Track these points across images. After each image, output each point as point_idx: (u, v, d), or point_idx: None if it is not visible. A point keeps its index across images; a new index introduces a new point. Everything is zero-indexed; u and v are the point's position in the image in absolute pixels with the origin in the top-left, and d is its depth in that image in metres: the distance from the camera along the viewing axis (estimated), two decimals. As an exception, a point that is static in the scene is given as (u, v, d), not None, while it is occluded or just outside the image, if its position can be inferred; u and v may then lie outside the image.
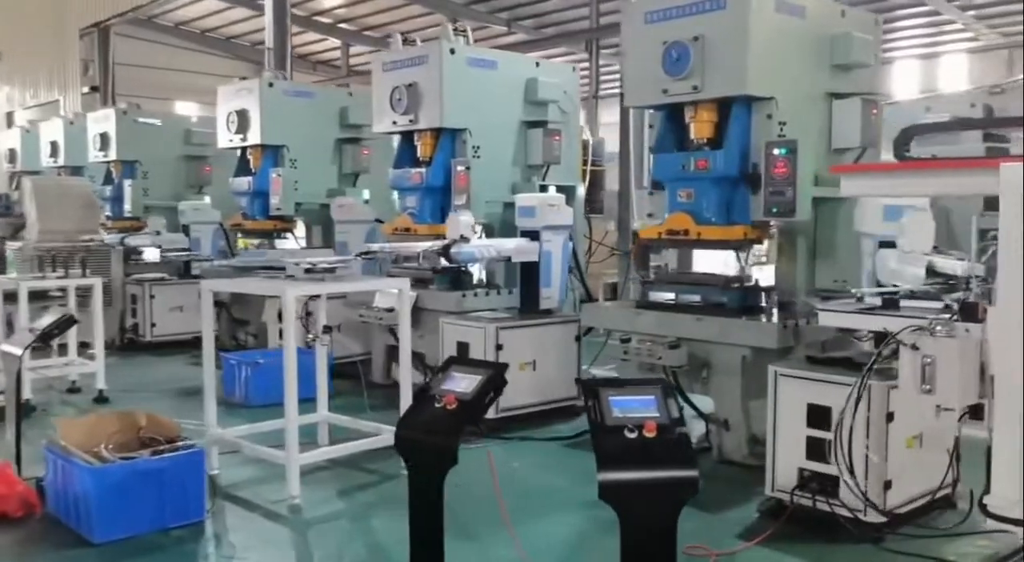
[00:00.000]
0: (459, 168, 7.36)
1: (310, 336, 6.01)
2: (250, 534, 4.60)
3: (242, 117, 9.46)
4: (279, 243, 10.22)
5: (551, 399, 6.81)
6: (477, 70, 7.61)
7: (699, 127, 5.76)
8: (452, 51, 7.43)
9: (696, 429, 6.11)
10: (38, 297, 7.68)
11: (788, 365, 4.72)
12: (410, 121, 7.62)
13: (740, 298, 5.68)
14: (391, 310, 7.54)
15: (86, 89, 17.97)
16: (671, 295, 6.09)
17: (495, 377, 3.40)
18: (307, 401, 7.41)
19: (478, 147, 7.61)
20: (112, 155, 11.64)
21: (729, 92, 5.52)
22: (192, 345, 10.29)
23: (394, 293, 7.19)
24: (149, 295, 10.24)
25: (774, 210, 5.35)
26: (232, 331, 10.11)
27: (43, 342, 5.36)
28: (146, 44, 24.96)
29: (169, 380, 8.61)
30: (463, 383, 3.42)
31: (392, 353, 8.17)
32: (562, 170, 8.12)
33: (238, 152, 10.03)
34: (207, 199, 11.59)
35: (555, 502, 5.09)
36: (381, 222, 8.75)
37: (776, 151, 5.32)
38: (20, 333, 5.43)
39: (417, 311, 7.54)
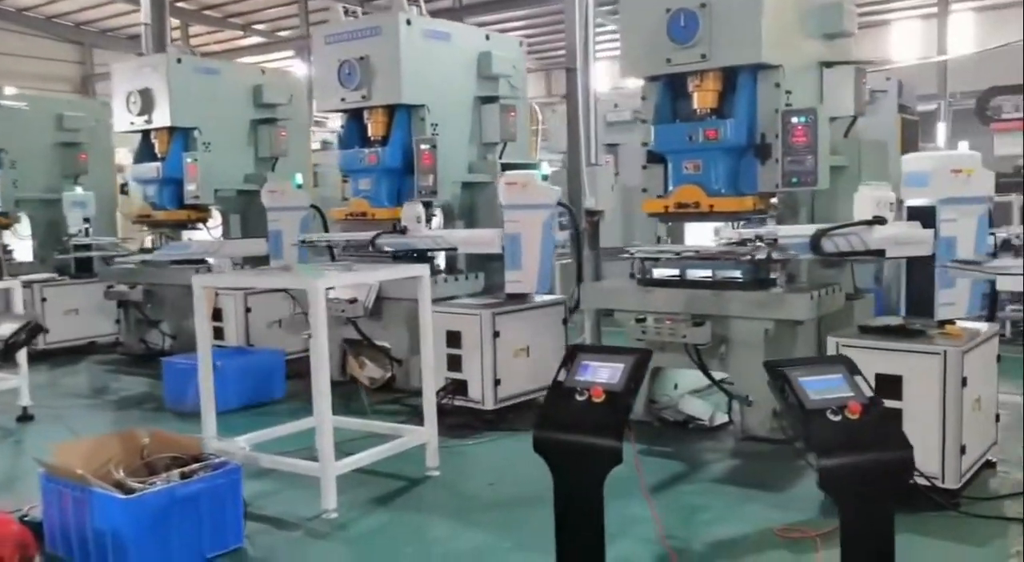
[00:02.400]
0: (423, 147, 6.93)
1: (307, 334, 5.44)
2: (297, 558, 4.09)
3: (146, 97, 8.58)
4: (188, 235, 9.39)
5: (545, 385, 6.50)
6: (432, 43, 7.18)
7: (703, 97, 5.62)
8: (408, 22, 6.95)
9: (699, 408, 6.03)
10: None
11: (847, 336, 4.66)
12: (362, 97, 7.09)
13: (752, 270, 5.59)
14: (353, 301, 7.05)
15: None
16: (674, 271, 5.94)
17: (641, 363, 3.10)
18: (267, 404, 6.94)
19: (436, 124, 7.19)
20: (-29, 144, 10.31)
21: (741, 60, 5.40)
22: (88, 351, 9.36)
23: (356, 285, 6.80)
24: (40, 298, 9.14)
25: (793, 180, 5.28)
26: (141, 334, 9.19)
27: (6, 356, 4.57)
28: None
29: (93, 392, 7.73)
30: (604, 373, 3.11)
31: (351, 348, 7.66)
32: (517, 148, 7.82)
33: (139, 136, 9.11)
34: (79, 189, 10.48)
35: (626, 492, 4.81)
36: (316, 208, 8.18)
37: (795, 119, 5.25)
38: (-27, 347, 4.63)
39: (378, 301, 7.09)
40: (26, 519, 4.17)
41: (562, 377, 3.17)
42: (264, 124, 9.22)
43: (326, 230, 8.47)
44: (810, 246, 4.75)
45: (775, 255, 5.05)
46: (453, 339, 6.21)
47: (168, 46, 11.40)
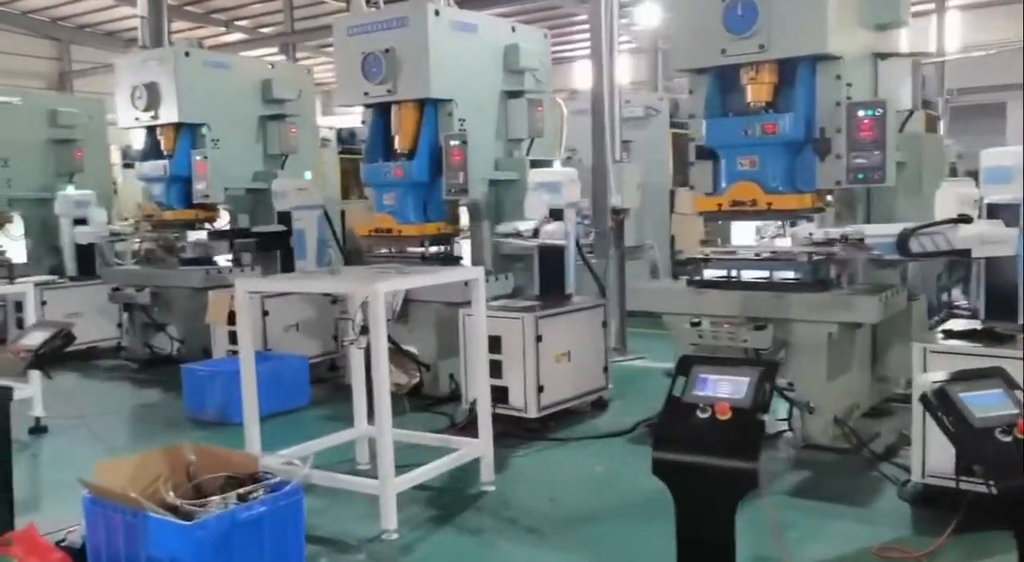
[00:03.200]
0: (453, 143, 6.64)
1: (348, 339, 5.15)
2: (364, 584, 3.81)
3: (152, 92, 8.21)
4: (195, 235, 9.03)
5: (585, 391, 6.27)
6: (460, 34, 6.89)
7: (758, 89, 5.37)
8: (436, 12, 6.66)
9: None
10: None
11: (932, 341, 4.43)
12: (387, 91, 6.79)
13: (812, 271, 5.36)
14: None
15: None
16: (722, 272, 5.70)
17: (768, 376, 2.84)
18: (293, 412, 6.63)
19: (463, 120, 6.91)
20: (-38, 142, 9.90)
21: (803, 51, 5.16)
22: (89, 356, 8.98)
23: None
24: (40, 301, 8.72)
25: (860, 176, 5.05)
26: (146, 338, 8.83)
27: (40, 366, 4.24)
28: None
29: (105, 401, 7.36)
30: (726, 387, 2.85)
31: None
32: (542, 144, 7.55)
33: (143, 132, 8.75)
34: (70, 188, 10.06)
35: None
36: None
37: (862, 112, 5.02)
38: (1, 356, 4.27)
39: (405, 304, 6.81)
40: (64, 544, 3.86)
41: (678, 391, 2.90)
42: (273, 120, 8.87)
43: (333, 230, 8.20)
44: (896, 246, 4.52)
45: (860, 256, 4.82)
46: (493, 344, 5.90)
47: (164, 39, 11.11)
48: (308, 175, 8.84)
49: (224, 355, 7.57)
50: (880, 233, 4.69)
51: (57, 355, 4.29)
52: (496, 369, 5.93)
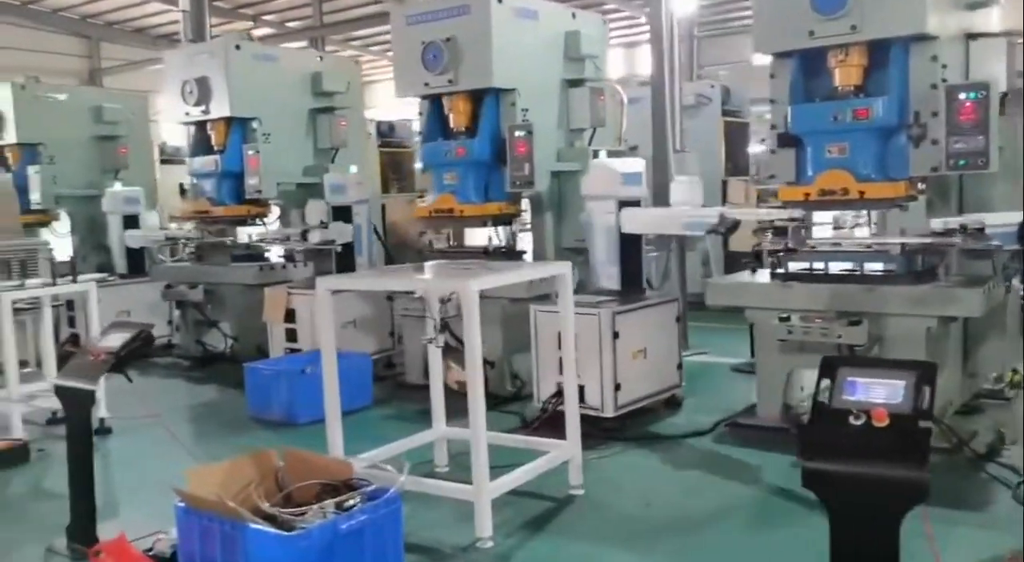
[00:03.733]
0: (517, 134, 6.45)
1: (427, 337, 4.99)
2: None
3: (203, 86, 8.07)
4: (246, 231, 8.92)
5: (659, 389, 6.07)
6: (521, 22, 6.70)
7: (847, 73, 5.15)
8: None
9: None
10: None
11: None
12: (448, 81, 6.60)
13: (906, 263, 5.13)
14: (446, 300, 6.58)
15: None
16: (804, 264, 5.49)
17: (927, 378, 2.63)
18: (357, 412, 6.48)
19: (526, 110, 6.71)
20: (9, 138, 9.83)
21: (900, 31, 4.93)
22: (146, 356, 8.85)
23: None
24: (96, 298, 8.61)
25: (961, 163, 4.81)
26: (198, 336, 8.71)
27: (120, 368, 4.09)
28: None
29: (164, 400, 7.22)
30: (881, 391, 2.64)
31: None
32: (604, 133, 7.34)
33: (192, 128, 8.62)
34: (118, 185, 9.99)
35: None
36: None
37: (963, 95, 4.78)
38: (80, 359, 4.13)
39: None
40: (152, 553, 3.72)
41: (823, 397, 2.70)
42: (323, 113, 8.72)
43: (374, 225, 8.07)
44: (1018, 236, 4.28)
45: (977, 246, 4.59)
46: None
47: (206, 33, 10.98)
48: (353, 168, 8.66)
49: (282, 354, 7.44)
50: (1000, 222, 4.45)
51: (136, 357, 4.14)
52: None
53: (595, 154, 7.01)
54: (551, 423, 5.61)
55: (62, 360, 6.07)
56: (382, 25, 21.30)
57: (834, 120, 5.10)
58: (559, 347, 5.74)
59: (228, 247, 8.52)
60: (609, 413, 5.58)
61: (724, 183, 10.68)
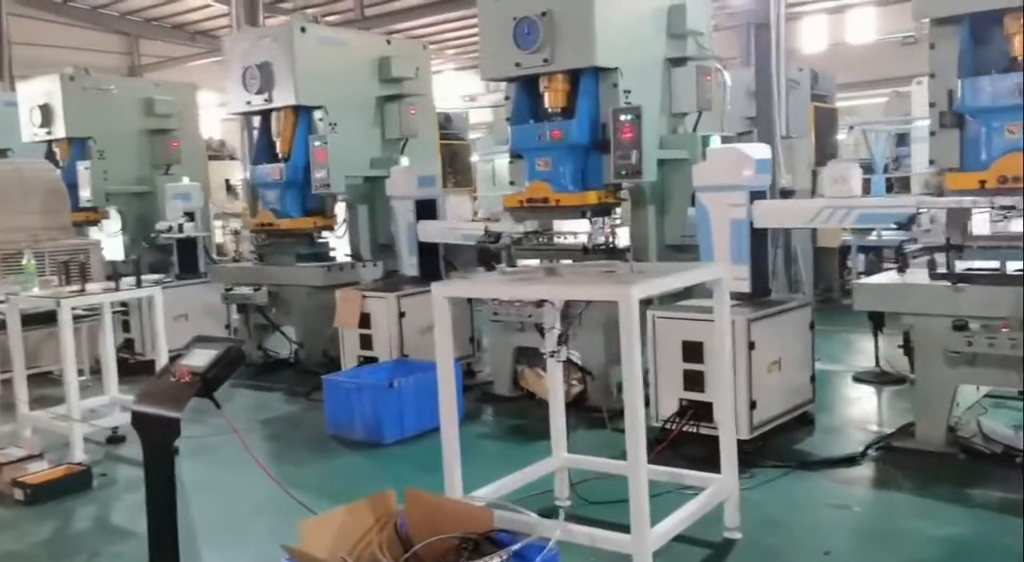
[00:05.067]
0: (623, 117, 5.76)
1: (549, 350, 4.33)
2: None
3: (265, 72, 7.47)
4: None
5: (793, 406, 5.37)
6: (623, -8, 6.00)
7: None
8: (600, -32, 5.77)
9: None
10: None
11: None
12: (544, 61, 5.94)
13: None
14: (542, 304, 5.93)
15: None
16: (974, 264, 4.78)
17: None
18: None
19: (628, 91, 6.03)
20: (59, 132, 9.30)
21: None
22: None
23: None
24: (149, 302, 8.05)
25: None
26: (259, 341, 8.13)
27: (208, 392, 3.48)
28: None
29: (228, 413, 6.63)
30: None
31: (521, 359, 6.56)
32: (709, 117, 6.63)
33: (255, 123, 8.04)
34: (185, 179, 9.41)
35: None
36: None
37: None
38: (159, 381, 3.51)
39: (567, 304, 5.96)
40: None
41: None
42: (391, 101, 8.09)
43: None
44: None
45: None
46: (692, 352, 5.05)
47: (260, 22, 10.42)
48: (405, 161, 7.96)
49: (355, 362, 6.83)
50: None
51: (224, 378, 3.52)
52: (696, 381, 5.06)
53: (705, 141, 6.29)
54: (672, 445, 4.96)
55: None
56: (424, 17, 20.90)
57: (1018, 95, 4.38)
58: (683, 358, 5.11)
59: (290, 246, 7.91)
60: (744, 434, 4.87)
61: (814, 173, 9.91)
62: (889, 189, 11.27)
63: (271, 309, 7.77)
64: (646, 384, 6.01)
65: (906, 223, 4.72)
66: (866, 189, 11.72)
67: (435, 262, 7.34)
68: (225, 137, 18.94)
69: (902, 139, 12.85)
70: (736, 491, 3.90)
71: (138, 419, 3.46)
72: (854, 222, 5.15)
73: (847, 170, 5.01)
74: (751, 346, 4.91)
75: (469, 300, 7.23)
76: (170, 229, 8.55)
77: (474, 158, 14.05)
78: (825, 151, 10.25)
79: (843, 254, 10.98)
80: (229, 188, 15.40)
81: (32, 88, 9.46)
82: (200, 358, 3.42)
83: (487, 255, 8.84)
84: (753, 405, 4.93)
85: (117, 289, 5.38)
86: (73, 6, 24.68)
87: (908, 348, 6.17)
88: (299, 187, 7.64)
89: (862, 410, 5.95)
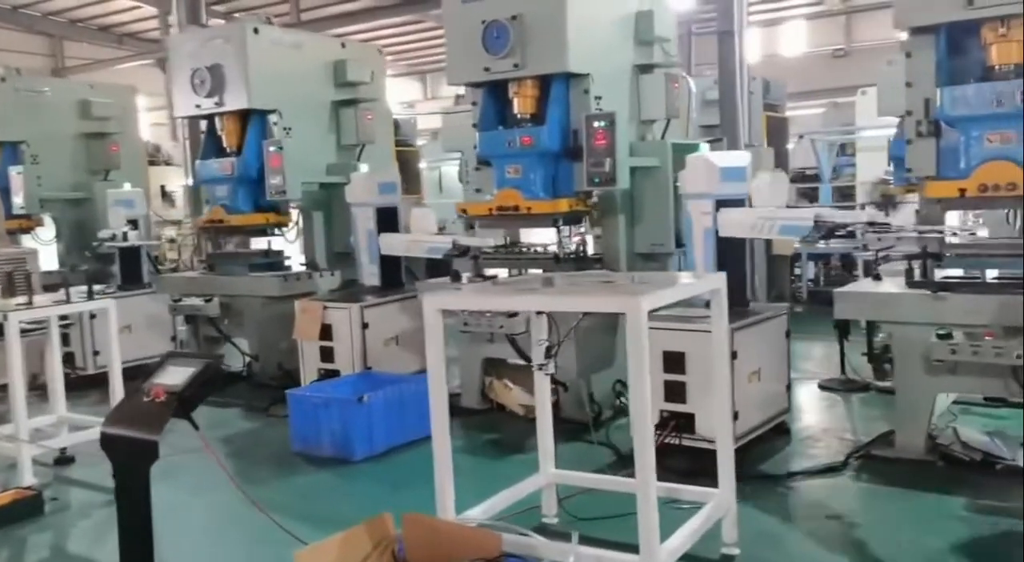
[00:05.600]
0: (596, 124, 5.67)
1: (537, 363, 4.18)
2: None
3: (216, 75, 7.18)
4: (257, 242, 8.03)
5: (771, 416, 5.33)
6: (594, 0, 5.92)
7: (1007, 51, 4.46)
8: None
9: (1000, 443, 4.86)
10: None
11: None
12: (514, 66, 5.84)
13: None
14: (514, 315, 5.79)
15: None
16: (953, 272, 4.81)
17: None
18: (416, 444, 5.67)
19: (599, 97, 5.95)
20: (-11, 135, 8.84)
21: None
22: (136, 376, 7.91)
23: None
24: (89, 315, 7.67)
25: None
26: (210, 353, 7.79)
27: (186, 413, 3.25)
28: None
29: (179, 431, 6.32)
30: None
31: (489, 370, 6.40)
32: (677, 125, 6.61)
33: (202, 124, 7.75)
34: (127, 185, 9.02)
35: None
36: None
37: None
38: (132, 401, 3.25)
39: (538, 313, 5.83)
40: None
41: None
42: (346, 106, 7.87)
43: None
44: None
45: None
46: (673, 362, 4.96)
47: (203, 20, 10.09)
48: (364, 167, 7.77)
49: (315, 375, 6.59)
50: None
51: (203, 398, 3.29)
52: (677, 392, 4.98)
53: (691, 148, 6.24)
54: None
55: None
56: (362, 22, 20.65)
57: (997, 104, 4.41)
58: (664, 369, 5.02)
59: (244, 255, 7.63)
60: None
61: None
62: (843, 197, 11.43)
63: (223, 321, 7.46)
64: (623, 395, 5.98)
65: (808, 236, 4.77)
66: (814, 198, 11.95)
67: (396, 271, 7.16)
68: (157, 142, 18.36)
69: (843, 149, 13.10)
70: (734, 505, 3.81)
71: (109, 441, 3.22)
72: (776, 233, 5.16)
73: (773, 180, 5.04)
74: (733, 355, 4.84)
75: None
76: (113, 237, 8.16)
77: (422, 165, 13.85)
78: (777, 160, 10.34)
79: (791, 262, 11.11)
80: (165, 195, 14.87)
81: (-41, 90, 8.96)
82: (176, 376, 3.21)
83: (445, 264, 8.66)
84: (735, 416, 4.85)
85: (68, 301, 5.04)
86: (-10, 5, 23.73)
87: (873, 356, 6.23)
88: (251, 183, 7.36)
89: (833, 418, 5.95)
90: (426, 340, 3.54)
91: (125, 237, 8.26)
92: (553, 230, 6.20)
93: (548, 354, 4.17)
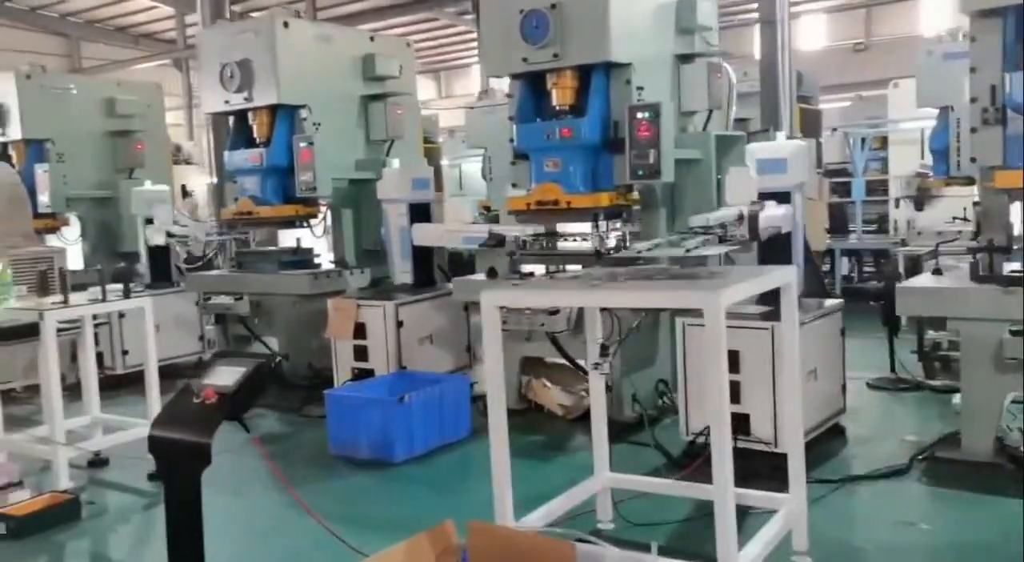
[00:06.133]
0: (641, 116, 5.47)
1: (592, 362, 4.02)
2: None
3: (245, 70, 7.04)
4: (287, 236, 7.91)
5: (828, 416, 5.15)
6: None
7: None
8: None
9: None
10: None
11: None
12: (553, 56, 5.65)
13: None
14: (555, 312, 5.64)
15: None
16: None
17: None
18: (455, 446, 5.53)
19: (641, 89, 5.77)
20: (14, 133, 8.74)
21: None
22: (169, 375, 7.78)
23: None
24: (119, 314, 7.54)
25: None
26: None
27: (236, 414, 3.11)
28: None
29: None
30: None
31: (527, 369, 6.25)
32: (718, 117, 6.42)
33: (230, 119, 7.61)
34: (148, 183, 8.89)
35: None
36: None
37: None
38: (180, 402, 3.11)
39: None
40: None
41: None
42: (375, 100, 7.72)
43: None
44: None
45: None
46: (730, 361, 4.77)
47: (226, 14, 9.98)
48: (396, 163, 7.61)
49: (348, 375, 6.45)
50: None
51: (256, 399, 3.15)
52: (731, 392, 4.78)
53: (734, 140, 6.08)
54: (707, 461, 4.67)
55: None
56: (376, 21, 20.53)
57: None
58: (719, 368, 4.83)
59: (272, 253, 7.49)
60: (783, 448, 4.62)
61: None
62: (869, 192, 11.21)
63: (253, 319, 7.32)
64: (666, 395, 5.82)
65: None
66: (845, 192, 11.72)
67: (429, 269, 7.01)
68: (176, 142, 18.31)
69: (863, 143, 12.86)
70: (805, 512, 3.64)
71: (158, 445, 3.08)
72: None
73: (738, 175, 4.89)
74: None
75: (466, 307, 6.92)
76: (170, 235, 7.98)
77: (445, 161, 13.71)
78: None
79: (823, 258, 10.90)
80: (186, 194, 14.79)
81: (-17, 87, 8.86)
82: (226, 376, 3.06)
83: (468, 263, 8.54)
84: (793, 416, 4.68)
85: (104, 299, 4.92)
86: (10, 6, 23.76)
87: (923, 354, 6.04)
88: (280, 174, 7.19)
89: (889, 419, 5.77)
90: (484, 339, 3.38)
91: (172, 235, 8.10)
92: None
93: (604, 353, 4.00)
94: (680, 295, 3.20)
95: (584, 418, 5.96)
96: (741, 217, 4.71)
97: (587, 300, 3.59)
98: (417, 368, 6.32)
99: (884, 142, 12.00)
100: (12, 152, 8.90)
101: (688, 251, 5.02)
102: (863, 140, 12.30)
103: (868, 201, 11.24)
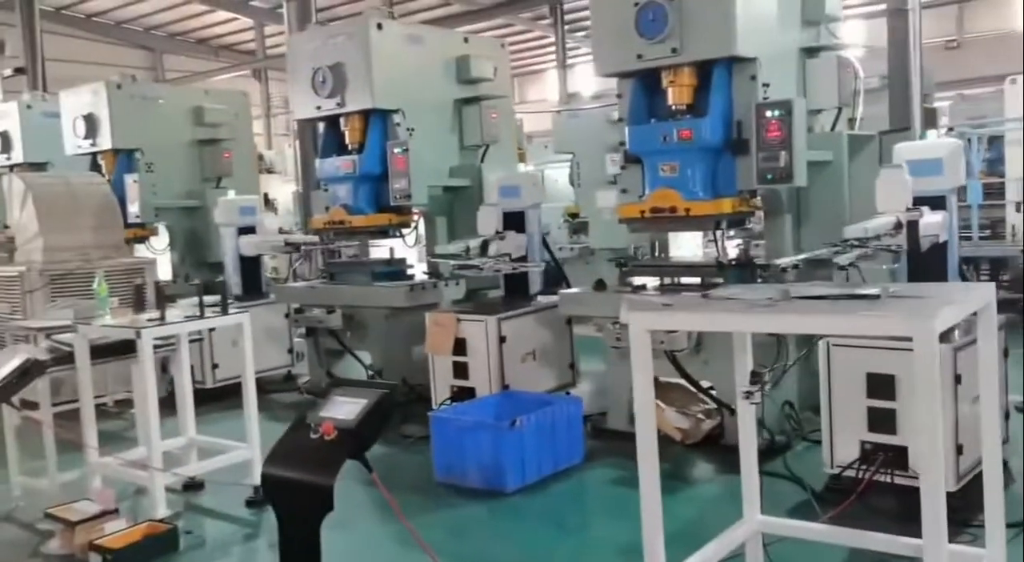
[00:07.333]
0: (770, 114, 5.02)
1: (744, 390, 3.56)
2: None
3: (337, 74, 6.77)
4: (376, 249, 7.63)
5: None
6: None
7: None
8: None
9: None
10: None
11: None
12: (672, 50, 5.22)
13: None
14: (674, 331, 5.20)
15: (7, 71, 14.46)
16: None
17: None
18: (568, 473, 5.14)
19: (767, 85, 5.30)
20: (104, 143, 8.65)
21: None
22: (261, 389, 7.55)
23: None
24: (208, 327, 7.31)
25: None
26: (329, 367, 7.39)
27: (359, 452, 2.75)
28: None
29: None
30: None
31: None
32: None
33: (320, 125, 7.37)
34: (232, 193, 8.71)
35: None
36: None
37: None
38: (296, 436, 2.77)
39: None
40: None
41: None
42: (469, 104, 7.39)
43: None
44: None
45: None
46: (880, 386, 4.28)
47: (313, 18, 9.80)
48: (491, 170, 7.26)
49: (447, 393, 6.10)
50: None
51: (379, 434, 2.80)
52: (885, 421, 4.29)
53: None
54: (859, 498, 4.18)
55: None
56: (456, 26, 20.33)
57: None
58: (868, 394, 4.35)
59: (366, 264, 7.20)
60: (950, 485, 4.11)
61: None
62: (987, 195, 10.48)
63: (345, 333, 7.04)
64: (793, 418, 5.33)
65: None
66: (962, 196, 10.98)
67: (523, 281, 6.64)
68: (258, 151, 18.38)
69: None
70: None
71: (272, 484, 2.73)
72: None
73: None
74: (957, 379, 4.15)
75: (569, 321, 6.54)
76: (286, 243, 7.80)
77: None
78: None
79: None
80: (268, 203, 14.73)
81: (76, 97, 8.80)
82: (346, 409, 2.72)
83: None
84: (959, 449, 4.17)
85: (202, 316, 4.66)
86: (97, 21, 24.33)
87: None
88: (373, 181, 6.90)
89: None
90: (633, 366, 2.98)
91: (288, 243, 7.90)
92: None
93: (755, 380, 3.54)
94: (885, 322, 2.73)
95: (703, 443, 5.53)
96: (899, 225, 4.24)
97: (764, 325, 3.14)
98: (520, 386, 5.94)
99: (990, 142, 11.30)
100: (102, 162, 8.83)
101: (842, 268, 4.56)
102: (977, 140, 11.57)
103: (984, 205, 10.52)
